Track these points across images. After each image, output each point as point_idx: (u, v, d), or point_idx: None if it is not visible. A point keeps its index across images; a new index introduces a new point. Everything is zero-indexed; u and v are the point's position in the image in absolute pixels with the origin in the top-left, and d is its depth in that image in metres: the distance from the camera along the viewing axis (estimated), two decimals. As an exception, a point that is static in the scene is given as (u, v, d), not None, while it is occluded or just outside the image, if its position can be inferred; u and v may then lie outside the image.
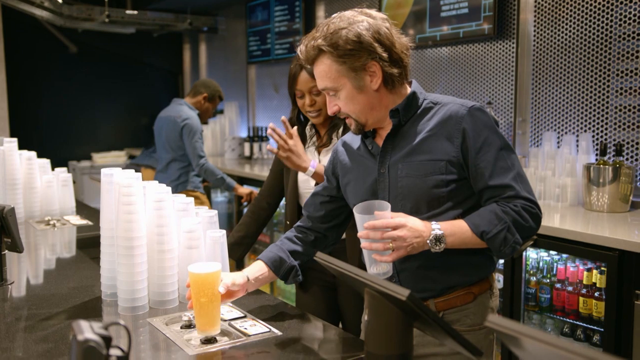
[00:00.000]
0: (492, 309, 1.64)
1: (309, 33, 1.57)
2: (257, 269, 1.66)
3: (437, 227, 1.43)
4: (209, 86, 4.23)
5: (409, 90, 1.59)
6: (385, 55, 1.49)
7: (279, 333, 1.50)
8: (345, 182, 1.71)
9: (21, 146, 2.94)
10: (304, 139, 2.30)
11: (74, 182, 3.21)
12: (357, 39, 1.47)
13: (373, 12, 1.54)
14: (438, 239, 1.42)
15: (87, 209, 3.23)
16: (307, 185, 2.25)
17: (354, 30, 1.47)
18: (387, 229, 1.40)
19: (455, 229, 1.45)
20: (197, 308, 1.47)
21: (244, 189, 4.07)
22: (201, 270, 1.47)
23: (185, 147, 3.99)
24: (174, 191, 3.95)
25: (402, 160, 1.55)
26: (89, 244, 2.43)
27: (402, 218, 1.42)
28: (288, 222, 2.31)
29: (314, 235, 1.77)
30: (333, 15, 1.54)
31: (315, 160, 2.14)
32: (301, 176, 2.26)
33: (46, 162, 3.00)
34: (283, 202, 2.52)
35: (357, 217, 1.44)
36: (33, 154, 2.92)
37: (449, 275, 1.57)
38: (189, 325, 1.52)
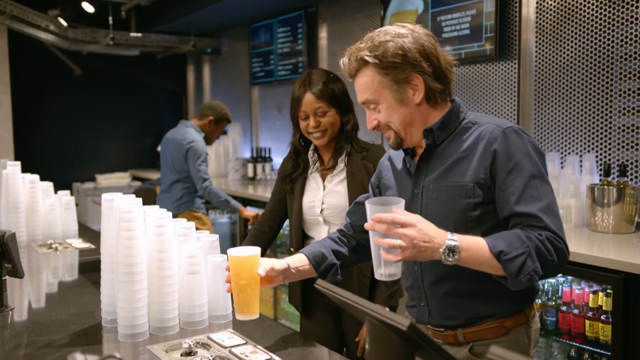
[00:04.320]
0: (526, 345, 1.54)
1: (353, 45, 1.55)
2: (298, 259, 1.67)
3: (453, 238, 1.35)
4: (215, 109, 4.19)
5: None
6: (429, 69, 1.49)
7: (280, 360, 1.48)
8: None
9: (25, 167, 2.94)
10: (306, 165, 2.29)
11: (77, 204, 3.21)
12: (402, 52, 1.47)
13: (416, 27, 1.53)
14: (452, 250, 1.33)
15: (90, 232, 3.22)
16: (312, 212, 2.23)
17: (399, 43, 1.47)
18: (395, 226, 1.32)
19: (472, 244, 1.36)
20: (235, 291, 1.54)
21: (250, 212, 4.04)
22: (240, 254, 1.54)
23: (189, 169, 3.99)
24: (177, 211, 3.96)
25: (434, 182, 1.53)
26: (90, 268, 2.41)
27: (412, 217, 1.34)
28: (292, 249, 2.28)
29: (356, 242, 1.77)
30: (377, 30, 1.54)
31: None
32: (306, 202, 2.25)
33: (49, 185, 3.00)
34: (285, 224, 2.51)
35: (368, 207, 1.38)
36: (36, 177, 2.92)
37: (478, 305, 1.51)
38: (189, 353, 1.50)
